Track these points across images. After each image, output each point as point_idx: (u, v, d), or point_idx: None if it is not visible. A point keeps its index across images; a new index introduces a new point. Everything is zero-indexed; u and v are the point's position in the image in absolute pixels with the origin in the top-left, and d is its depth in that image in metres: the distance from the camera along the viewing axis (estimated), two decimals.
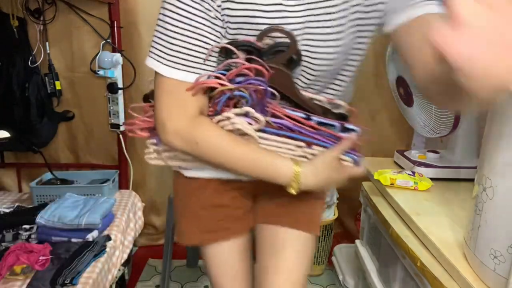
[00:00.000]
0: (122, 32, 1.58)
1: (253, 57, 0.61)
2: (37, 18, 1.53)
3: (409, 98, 1.20)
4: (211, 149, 0.65)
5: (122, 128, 1.63)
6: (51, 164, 1.68)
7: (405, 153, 1.37)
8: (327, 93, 0.72)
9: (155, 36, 0.63)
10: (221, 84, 0.62)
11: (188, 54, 0.61)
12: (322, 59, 0.65)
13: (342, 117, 0.72)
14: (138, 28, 1.55)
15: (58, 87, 1.60)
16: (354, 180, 1.52)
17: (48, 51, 1.57)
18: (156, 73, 0.63)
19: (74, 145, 1.75)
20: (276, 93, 0.65)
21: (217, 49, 0.63)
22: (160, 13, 0.62)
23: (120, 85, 1.59)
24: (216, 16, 0.61)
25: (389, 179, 1.14)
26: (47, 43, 1.56)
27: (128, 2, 1.53)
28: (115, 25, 1.55)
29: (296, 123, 0.66)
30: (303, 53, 0.64)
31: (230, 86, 0.61)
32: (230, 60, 0.62)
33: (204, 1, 0.59)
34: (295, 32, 0.62)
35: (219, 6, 0.60)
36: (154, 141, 0.72)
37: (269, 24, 0.61)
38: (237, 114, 0.63)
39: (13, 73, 1.52)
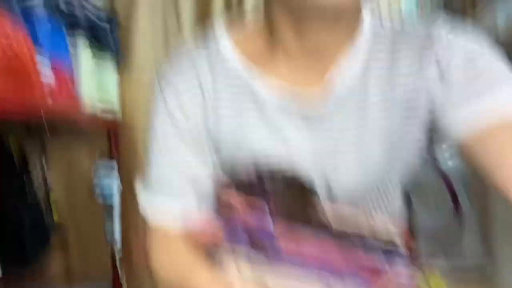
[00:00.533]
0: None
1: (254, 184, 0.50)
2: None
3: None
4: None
5: (118, 246, 1.59)
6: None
7: None
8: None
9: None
10: (216, 243, 0.49)
11: (164, 179, 0.54)
12: (349, 182, 0.52)
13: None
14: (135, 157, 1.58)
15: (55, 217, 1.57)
16: None
17: (46, 170, 1.58)
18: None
19: (67, 260, 1.69)
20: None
21: (210, 189, 0.54)
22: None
23: (116, 206, 1.58)
24: (205, 143, 0.54)
25: None
26: (43, 159, 1.58)
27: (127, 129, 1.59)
28: (113, 147, 1.59)
29: (317, 255, 0.47)
30: (320, 181, 0.52)
31: (224, 245, 0.47)
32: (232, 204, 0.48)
33: (190, 128, 0.54)
34: (306, 165, 0.51)
35: (207, 131, 0.54)
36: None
37: (269, 160, 0.51)
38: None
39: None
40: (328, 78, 0.49)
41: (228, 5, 1.54)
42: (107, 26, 1.39)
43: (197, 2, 1.57)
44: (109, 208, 1.56)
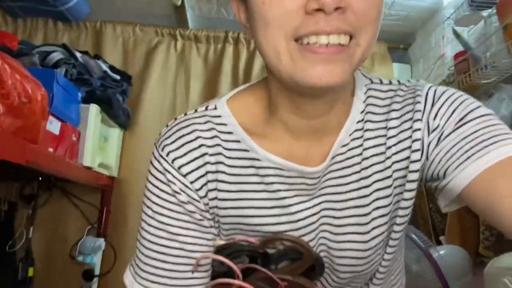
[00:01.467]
0: (109, 217, 1.59)
1: (259, 267, 0.47)
2: (29, 203, 1.56)
3: None
4: None
5: None
6: None
7: None
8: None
9: (136, 243, 0.51)
10: None
11: (165, 269, 0.48)
12: (348, 265, 0.51)
13: None
14: (125, 212, 1.57)
15: (30, 273, 1.49)
16: None
17: (30, 236, 1.54)
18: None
19: None
20: None
21: (207, 260, 0.49)
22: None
23: (97, 271, 1.50)
24: (200, 213, 0.49)
25: None
26: (31, 228, 1.54)
27: (122, 190, 1.60)
28: (105, 210, 1.58)
29: None
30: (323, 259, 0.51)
31: None
32: (230, 281, 0.46)
33: (181, 192, 0.48)
34: (307, 238, 0.50)
35: (202, 197, 0.49)
36: None
37: (272, 231, 0.49)
38: None
39: None
40: (327, 149, 0.50)
41: (235, 81, 1.69)
42: (120, 96, 1.49)
43: (207, 80, 1.73)
44: (88, 274, 1.47)
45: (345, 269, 0.52)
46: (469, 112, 0.47)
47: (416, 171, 0.49)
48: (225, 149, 0.50)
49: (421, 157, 0.49)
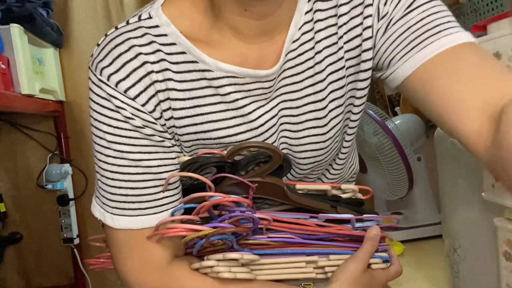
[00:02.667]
0: (70, 142, 1.55)
1: (228, 174, 0.49)
2: None
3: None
4: None
5: (76, 242, 1.51)
6: None
7: None
8: (327, 177, 0.58)
9: (96, 175, 0.49)
10: (195, 230, 0.44)
11: (134, 195, 0.46)
12: (309, 157, 0.53)
13: (356, 204, 0.57)
14: (86, 137, 1.53)
15: (2, 209, 1.49)
16: None
17: None
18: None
19: (24, 269, 1.59)
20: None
21: (176, 178, 0.49)
22: (93, 145, 0.48)
23: (71, 195, 1.51)
24: (159, 135, 0.47)
25: None
26: None
27: (74, 113, 1.52)
28: (62, 136, 1.52)
29: (300, 230, 0.51)
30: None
31: (207, 230, 0.44)
32: (203, 194, 0.46)
33: (134, 117, 0.45)
34: (269, 141, 0.51)
35: (158, 118, 0.46)
36: None
37: (234, 141, 0.49)
38: (220, 260, 0.46)
39: None
40: (279, 49, 0.48)
41: None
42: (43, 10, 1.31)
43: None
44: (63, 200, 1.48)
45: (306, 161, 0.53)
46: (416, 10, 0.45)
47: (369, 59, 0.48)
48: (171, 63, 0.45)
49: (373, 45, 0.48)
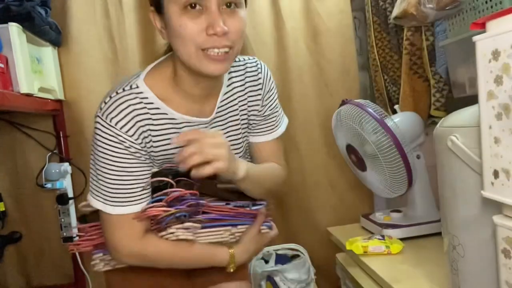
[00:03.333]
0: (69, 141, 1.54)
1: (183, 178, 0.78)
2: None
3: (361, 163, 1.24)
4: (161, 259, 0.80)
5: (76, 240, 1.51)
6: None
7: (370, 216, 1.37)
8: None
9: (93, 179, 0.77)
10: (166, 211, 0.75)
11: (129, 193, 0.76)
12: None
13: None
14: (85, 136, 1.52)
15: (2, 208, 1.49)
16: (328, 253, 1.50)
17: None
18: (100, 210, 0.77)
19: (23, 268, 1.59)
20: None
21: (150, 181, 0.79)
22: (92, 157, 0.76)
23: (70, 194, 1.51)
24: (144, 156, 0.77)
25: (361, 248, 1.13)
26: None
27: (73, 112, 1.52)
28: (61, 135, 1.52)
29: (221, 212, 0.83)
30: None
31: (173, 211, 0.75)
32: (170, 190, 0.76)
33: (131, 147, 0.75)
34: None
35: (143, 147, 0.77)
36: (100, 254, 0.84)
37: None
38: (179, 228, 0.77)
39: None
40: (211, 104, 0.84)
41: None
42: (41, 8, 1.31)
43: None
44: (62, 199, 1.48)
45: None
46: (273, 94, 0.94)
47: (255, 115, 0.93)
48: (151, 114, 0.77)
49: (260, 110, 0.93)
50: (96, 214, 0.81)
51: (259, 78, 0.89)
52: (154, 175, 0.79)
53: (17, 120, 1.52)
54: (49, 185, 1.47)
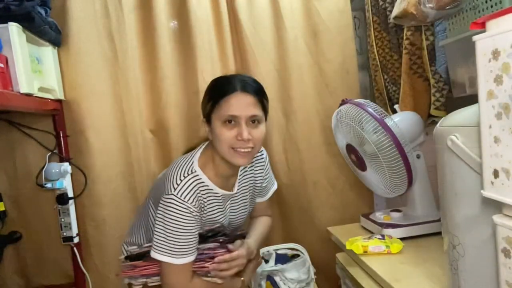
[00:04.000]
0: (69, 141, 1.54)
1: (222, 238, 1.13)
2: None
3: (361, 163, 1.24)
4: None
5: (76, 240, 1.51)
6: None
7: (370, 216, 1.37)
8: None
9: (161, 235, 1.02)
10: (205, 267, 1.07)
11: (189, 248, 1.04)
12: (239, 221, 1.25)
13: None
14: (85, 136, 1.52)
15: (1, 208, 1.49)
16: (328, 252, 1.50)
17: None
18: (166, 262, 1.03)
19: (23, 268, 1.59)
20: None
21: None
22: (162, 223, 1.03)
23: (70, 194, 1.51)
24: (199, 220, 1.06)
25: (361, 247, 1.13)
26: None
27: (73, 112, 1.52)
28: (61, 135, 1.52)
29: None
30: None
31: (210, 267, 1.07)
32: (209, 246, 1.09)
33: (196, 214, 1.04)
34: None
35: (200, 214, 1.07)
36: (144, 279, 1.11)
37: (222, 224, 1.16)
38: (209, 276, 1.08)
39: None
40: (233, 181, 1.18)
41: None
42: (41, 8, 1.31)
43: None
44: (62, 198, 1.48)
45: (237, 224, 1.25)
46: (269, 171, 1.31)
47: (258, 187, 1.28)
48: (205, 192, 1.08)
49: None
50: (137, 257, 1.13)
51: (263, 164, 1.26)
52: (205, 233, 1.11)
53: (17, 120, 1.52)
54: (49, 185, 1.47)
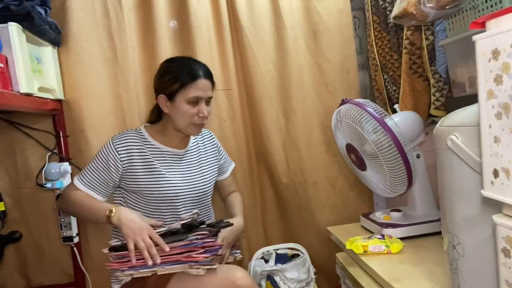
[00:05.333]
0: (68, 141, 1.54)
1: (209, 229, 1.15)
2: None
3: (361, 163, 1.24)
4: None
5: (75, 240, 1.51)
6: None
7: (370, 216, 1.38)
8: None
9: (86, 166, 1.25)
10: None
11: (94, 182, 1.22)
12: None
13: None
14: (85, 135, 1.52)
15: (1, 208, 1.49)
16: (328, 252, 1.49)
17: None
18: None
19: (23, 268, 1.59)
20: None
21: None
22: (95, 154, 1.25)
23: None
24: (114, 172, 1.23)
25: (361, 247, 1.13)
26: None
27: (73, 112, 1.52)
28: (61, 135, 1.52)
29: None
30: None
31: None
32: (197, 236, 1.11)
33: (116, 162, 1.22)
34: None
35: (123, 165, 1.24)
36: (131, 271, 1.09)
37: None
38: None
39: None
40: (186, 142, 1.33)
41: None
42: (40, 8, 1.31)
43: None
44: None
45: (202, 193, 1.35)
46: (222, 149, 1.50)
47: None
48: (149, 147, 1.25)
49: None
50: (120, 248, 1.12)
51: (212, 138, 1.45)
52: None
53: (17, 120, 1.52)
54: (49, 185, 1.47)
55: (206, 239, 1.09)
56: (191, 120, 1.21)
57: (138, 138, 1.25)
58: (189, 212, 1.26)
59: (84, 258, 1.57)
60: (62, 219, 1.51)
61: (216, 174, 1.42)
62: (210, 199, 1.38)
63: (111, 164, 1.20)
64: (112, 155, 1.20)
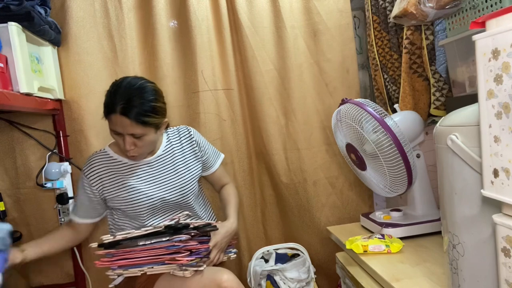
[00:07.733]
0: (68, 141, 1.54)
1: (194, 232, 1.13)
2: None
3: (361, 162, 1.24)
4: None
5: None
6: None
7: (370, 216, 1.38)
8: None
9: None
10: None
11: (79, 210, 1.28)
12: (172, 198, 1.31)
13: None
14: (85, 135, 1.52)
15: (1, 208, 1.49)
16: (328, 252, 1.49)
17: None
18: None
19: (23, 268, 1.59)
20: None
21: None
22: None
23: (70, 194, 1.51)
24: (93, 193, 1.26)
25: (361, 247, 1.13)
26: None
27: (73, 111, 1.52)
28: (61, 135, 1.52)
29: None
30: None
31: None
32: (180, 238, 1.09)
33: (91, 187, 1.25)
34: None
35: (122, 187, 1.26)
36: (121, 270, 1.13)
37: None
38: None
39: None
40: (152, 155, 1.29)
41: None
42: (40, 8, 1.31)
43: None
44: (62, 198, 1.47)
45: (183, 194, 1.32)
46: (205, 144, 1.40)
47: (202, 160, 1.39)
48: (115, 164, 1.25)
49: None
50: (110, 245, 1.14)
51: (190, 138, 1.36)
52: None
53: (17, 120, 1.52)
54: (49, 185, 1.47)
55: (190, 242, 1.09)
56: (121, 147, 1.17)
57: (103, 159, 1.24)
58: (179, 214, 1.28)
59: (84, 258, 1.57)
60: (62, 219, 1.51)
61: (200, 172, 1.35)
62: (194, 199, 1.33)
63: (89, 193, 1.23)
64: (86, 184, 1.23)
